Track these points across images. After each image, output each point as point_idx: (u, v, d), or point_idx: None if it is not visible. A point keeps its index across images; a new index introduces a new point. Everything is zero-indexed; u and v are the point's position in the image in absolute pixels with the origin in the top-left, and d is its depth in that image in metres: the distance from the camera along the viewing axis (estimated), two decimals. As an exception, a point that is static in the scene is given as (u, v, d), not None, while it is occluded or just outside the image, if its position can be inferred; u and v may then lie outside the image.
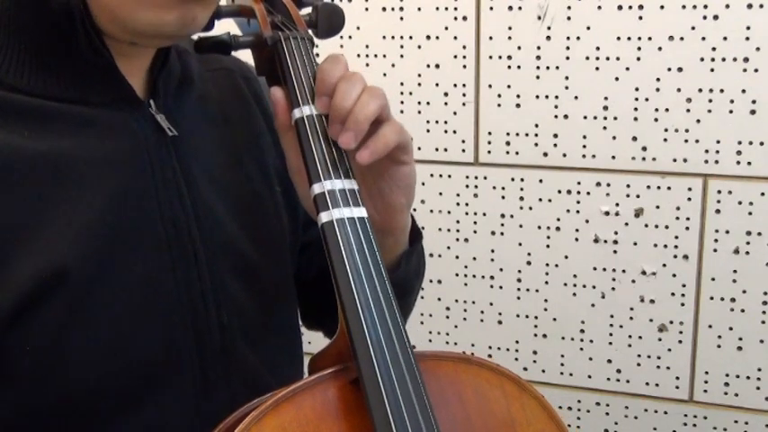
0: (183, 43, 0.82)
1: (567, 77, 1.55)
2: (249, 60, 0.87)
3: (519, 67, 1.57)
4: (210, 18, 0.79)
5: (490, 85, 1.60)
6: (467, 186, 1.65)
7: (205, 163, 0.81)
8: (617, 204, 1.57)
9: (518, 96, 1.58)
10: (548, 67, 1.55)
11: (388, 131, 0.73)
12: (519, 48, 1.56)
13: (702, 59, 1.46)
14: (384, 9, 1.63)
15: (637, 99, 1.52)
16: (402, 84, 1.65)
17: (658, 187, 1.54)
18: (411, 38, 1.62)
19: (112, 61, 0.73)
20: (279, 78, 0.76)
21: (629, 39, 1.50)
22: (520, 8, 1.55)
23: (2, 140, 0.68)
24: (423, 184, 1.66)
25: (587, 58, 1.53)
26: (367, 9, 1.63)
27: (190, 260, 0.77)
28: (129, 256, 0.72)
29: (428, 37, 1.61)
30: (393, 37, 1.63)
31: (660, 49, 1.48)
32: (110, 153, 0.73)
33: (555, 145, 1.58)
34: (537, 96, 1.57)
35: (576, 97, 1.55)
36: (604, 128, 1.55)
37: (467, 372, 0.73)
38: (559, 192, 1.60)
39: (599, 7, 1.50)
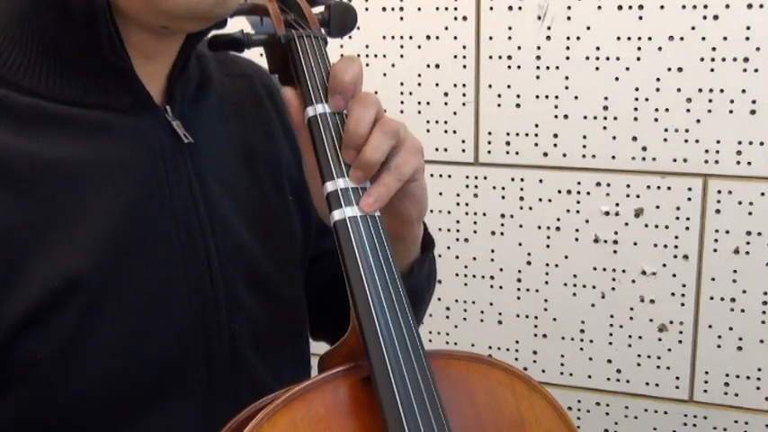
0: (199, 45, 0.81)
1: (567, 77, 1.55)
2: (261, 59, 0.86)
3: (519, 67, 1.57)
4: None
5: (490, 85, 1.60)
6: (467, 186, 1.65)
7: (220, 170, 0.80)
8: (617, 204, 1.57)
9: (518, 96, 1.58)
10: (548, 67, 1.56)
11: (389, 180, 0.71)
12: (519, 48, 1.56)
13: (702, 59, 1.47)
14: (384, 9, 1.63)
15: (637, 99, 1.52)
16: (402, 84, 1.65)
17: (658, 187, 1.54)
18: (411, 38, 1.62)
19: (131, 66, 0.72)
20: (292, 77, 0.76)
21: (629, 39, 1.50)
22: (520, 8, 1.55)
23: (16, 146, 0.67)
24: (423, 184, 1.66)
25: (587, 58, 1.53)
26: (367, 9, 1.63)
27: (203, 267, 0.76)
28: (142, 263, 0.72)
29: (428, 37, 1.61)
30: (393, 37, 1.63)
31: (660, 49, 1.49)
32: (125, 159, 0.72)
33: (555, 145, 1.58)
34: (537, 96, 1.57)
35: (576, 97, 1.55)
36: (604, 128, 1.55)
37: (477, 371, 0.73)
38: (559, 192, 1.60)
39: (599, 7, 1.50)
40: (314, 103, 0.73)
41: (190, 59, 0.79)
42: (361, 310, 0.66)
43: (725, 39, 1.45)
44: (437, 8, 1.59)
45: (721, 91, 1.47)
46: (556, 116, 1.57)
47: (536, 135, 1.59)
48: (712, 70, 1.47)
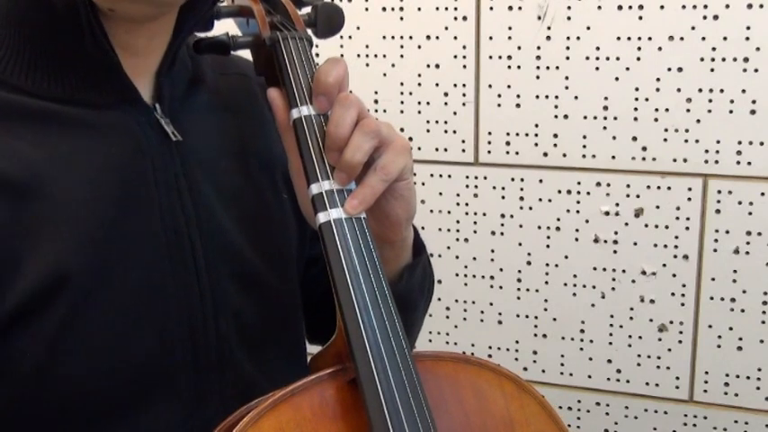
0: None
1: (567, 77, 1.55)
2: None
3: (519, 67, 1.57)
4: (210, 18, 0.78)
5: (490, 85, 1.60)
6: (467, 186, 1.65)
7: (210, 169, 0.80)
8: (617, 204, 1.57)
9: (518, 96, 1.58)
10: (548, 67, 1.55)
11: (374, 181, 0.71)
12: (519, 48, 1.56)
13: (702, 59, 1.46)
14: (384, 9, 1.63)
15: (637, 99, 1.51)
16: (402, 84, 1.65)
17: (658, 187, 1.54)
18: (411, 38, 1.62)
19: (118, 61, 0.72)
20: (277, 78, 0.76)
21: (629, 39, 1.50)
22: (520, 8, 1.54)
23: (4, 145, 0.67)
24: (423, 184, 1.66)
25: (587, 58, 1.53)
26: (367, 9, 1.63)
27: (189, 266, 0.76)
28: (128, 262, 0.72)
29: (428, 37, 1.61)
30: (393, 37, 1.63)
31: (660, 49, 1.48)
32: (111, 156, 0.72)
33: (555, 145, 1.58)
34: (537, 96, 1.57)
35: (576, 97, 1.55)
36: (604, 128, 1.55)
37: (465, 372, 0.73)
38: (559, 192, 1.60)
39: (599, 7, 1.50)
40: (299, 104, 0.73)
41: (178, 57, 0.79)
42: (346, 313, 0.66)
43: (725, 39, 1.44)
44: (437, 8, 1.59)
45: (721, 91, 1.46)
46: (556, 116, 1.57)
47: (536, 135, 1.59)
48: (712, 70, 1.46)
